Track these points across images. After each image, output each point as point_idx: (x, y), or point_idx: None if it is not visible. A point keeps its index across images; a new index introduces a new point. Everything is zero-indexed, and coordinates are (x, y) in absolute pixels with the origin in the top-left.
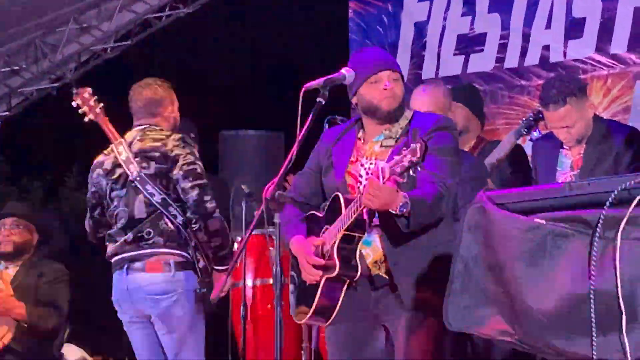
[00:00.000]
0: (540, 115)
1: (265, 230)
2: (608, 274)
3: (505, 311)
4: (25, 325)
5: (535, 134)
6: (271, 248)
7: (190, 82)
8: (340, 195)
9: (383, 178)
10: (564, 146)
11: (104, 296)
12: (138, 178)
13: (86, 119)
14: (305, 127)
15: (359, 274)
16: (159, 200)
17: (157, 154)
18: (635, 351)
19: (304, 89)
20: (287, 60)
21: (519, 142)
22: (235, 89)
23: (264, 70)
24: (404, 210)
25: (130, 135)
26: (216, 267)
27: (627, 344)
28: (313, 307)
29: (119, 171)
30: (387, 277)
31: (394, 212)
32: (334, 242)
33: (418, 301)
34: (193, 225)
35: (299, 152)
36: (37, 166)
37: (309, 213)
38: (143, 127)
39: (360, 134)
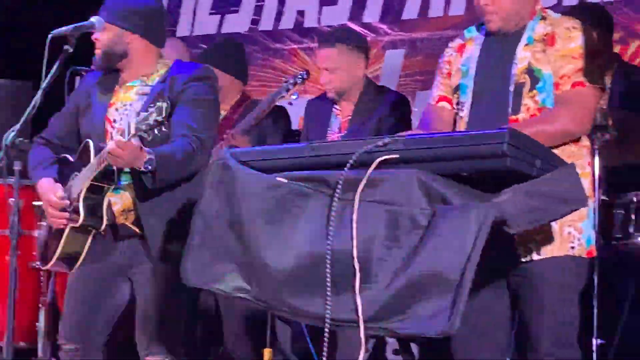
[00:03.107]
0: (299, 80)
1: (4, 180)
2: (345, 234)
3: (244, 268)
4: None
5: (293, 97)
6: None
7: None
8: (90, 142)
9: (128, 134)
10: (335, 107)
11: None
12: None
13: None
14: (50, 75)
15: (104, 225)
16: None
17: None
18: (367, 310)
19: (50, 36)
20: (36, 6)
21: (280, 103)
22: None
23: (9, 18)
24: (149, 167)
25: None
26: None
27: (359, 304)
28: (57, 253)
29: None
30: (134, 227)
31: (138, 169)
32: (81, 191)
33: (164, 253)
34: None
35: (43, 101)
36: None
37: (61, 156)
38: None
39: (120, 78)
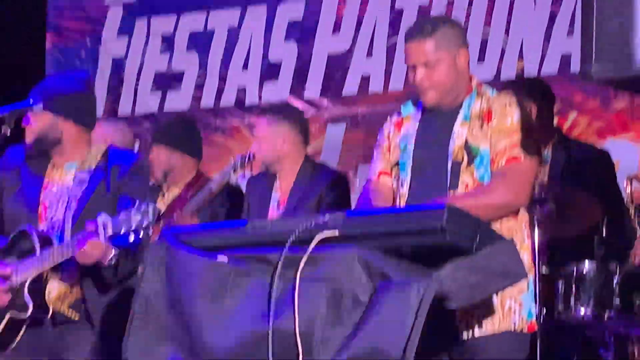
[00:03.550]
0: (245, 160)
1: None
2: (287, 313)
3: (185, 349)
4: None
5: (240, 178)
6: None
7: None
8: (31, 231)
9: (105, 235)
10: (275, 184)
11: None
12: None
13: None
14: None
15: (49, 314)
16: None
17: None
18: None
19: None
20: None
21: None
22: None
23: None
24: (113, 261)
25: None
26: None
27: None
28: None
29: None
30: (69, 311)
31: (102, 263)
32: (26, 280)
33: (105, 339)
34: None
35: None
36: None
37: None
38: None
39: (52, 160)
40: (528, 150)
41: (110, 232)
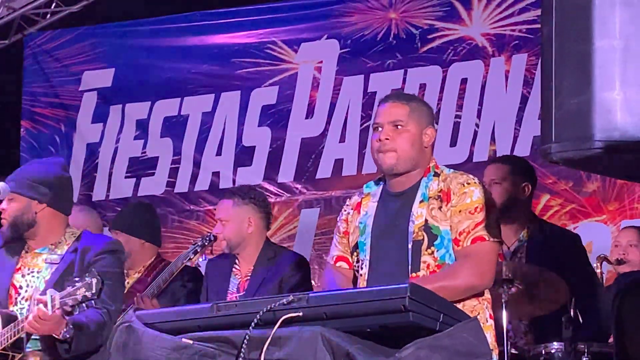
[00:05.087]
0: (206, 242)
1: None
2: None
3: None
4: None
5: (200, 259)
6: None
7: None
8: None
9: (52, 307)
10: (235, 267)
11: None
12: None
13: None
14: None
15: None
16: None
17: None
18: None
19: None
20: None
21: (189, 264)
22: None
23: None
24: (67, 335)
25: None
26: None
27: None
28: None
29: None
30: None
31: (56, 336)
32: None
33: None
34: None
35: None
36: None
37: None
38: None
39: (26, 245)
40: (491, 232)
41: (57, 304)
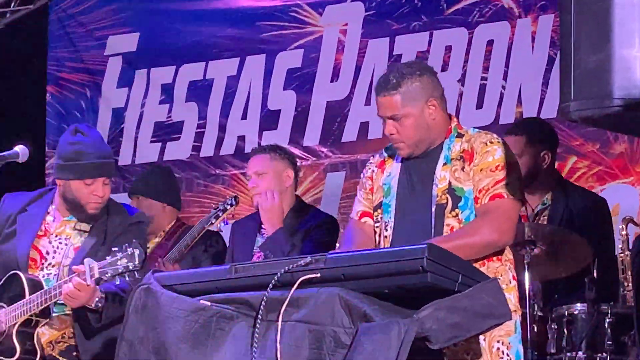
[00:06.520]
0: (228, 206)
1: None
2: (270, 355)
3: None
4: None
5: (221, 225)
6: None
7: None
8: (22, 276)
9: (91, 277)
10: (262, 227)
11: None
12: None
13: None
14: None
15: (38, 358)
16: None
17: None
18: None
19: None
20: None
21: (211, 228)
22: None
23: None
24: (99, 305)
25: None
26: None
27: None
28: None
29: None
30: (60, 357)
31: (88, 306)
32: (14, 324)
33: None
34: None
35: None
36: None
37: None
38: None
39: (51, 209)
40: (512, 190)
41: (96, 274)
